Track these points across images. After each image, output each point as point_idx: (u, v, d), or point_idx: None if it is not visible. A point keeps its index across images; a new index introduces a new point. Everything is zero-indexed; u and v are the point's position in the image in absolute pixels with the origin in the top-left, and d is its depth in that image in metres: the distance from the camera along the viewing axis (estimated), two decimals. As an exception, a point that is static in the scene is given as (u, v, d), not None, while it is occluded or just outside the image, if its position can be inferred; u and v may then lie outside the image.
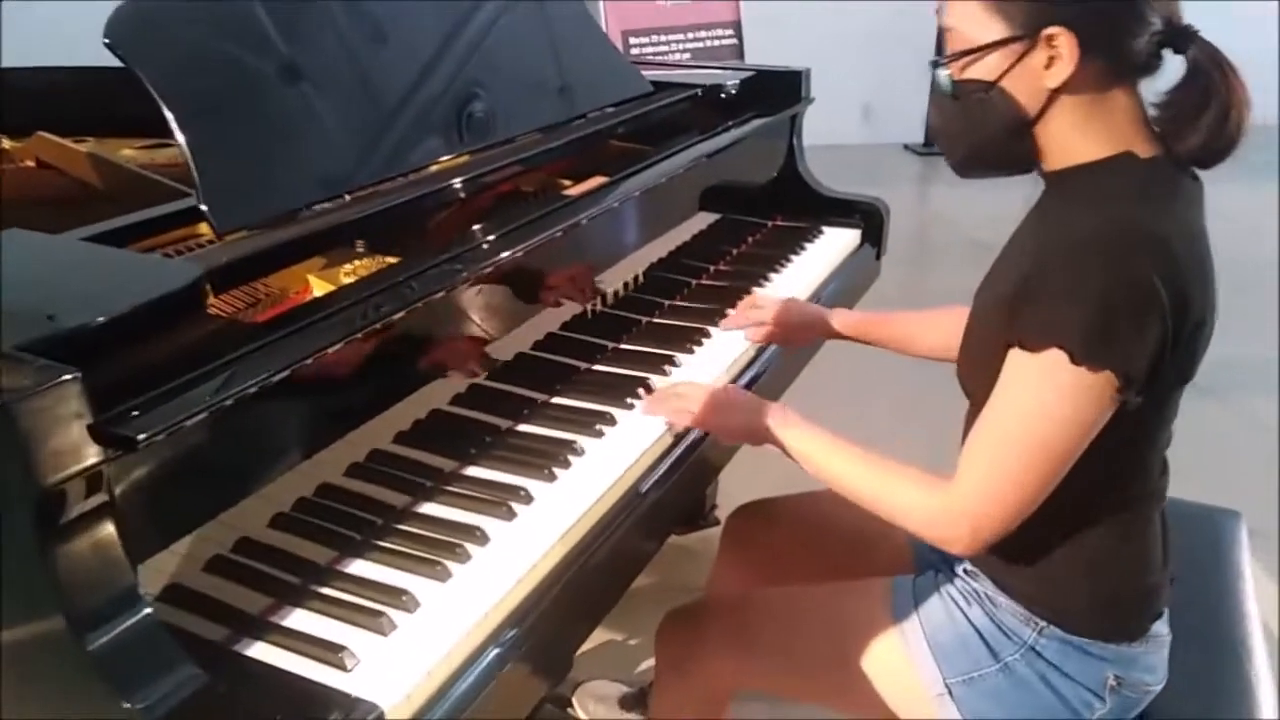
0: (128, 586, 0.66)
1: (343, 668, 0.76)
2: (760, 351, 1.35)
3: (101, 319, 0.68)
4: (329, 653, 0.77)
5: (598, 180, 1.32)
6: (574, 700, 1.66)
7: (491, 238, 1.11)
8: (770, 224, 1.78)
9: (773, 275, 1.56)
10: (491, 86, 1.31)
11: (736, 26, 3.37)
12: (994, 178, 1.01)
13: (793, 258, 1.64)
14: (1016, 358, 0.88)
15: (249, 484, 0.85)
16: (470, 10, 1.30)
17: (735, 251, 1.66)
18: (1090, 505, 0.97)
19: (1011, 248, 1.01)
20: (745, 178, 1.77)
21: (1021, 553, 1.00)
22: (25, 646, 0.66)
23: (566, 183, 1.40)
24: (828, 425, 1.03)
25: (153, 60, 0.91)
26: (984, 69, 0.91)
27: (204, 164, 0.91)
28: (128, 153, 1.47)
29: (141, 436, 0.66)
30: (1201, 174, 0.95)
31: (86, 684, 0.63)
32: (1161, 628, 1.03)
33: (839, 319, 1.32)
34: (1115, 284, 0.84)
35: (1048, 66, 0.88)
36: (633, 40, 3.15)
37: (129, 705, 0.62)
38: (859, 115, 5.71)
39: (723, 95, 1.69)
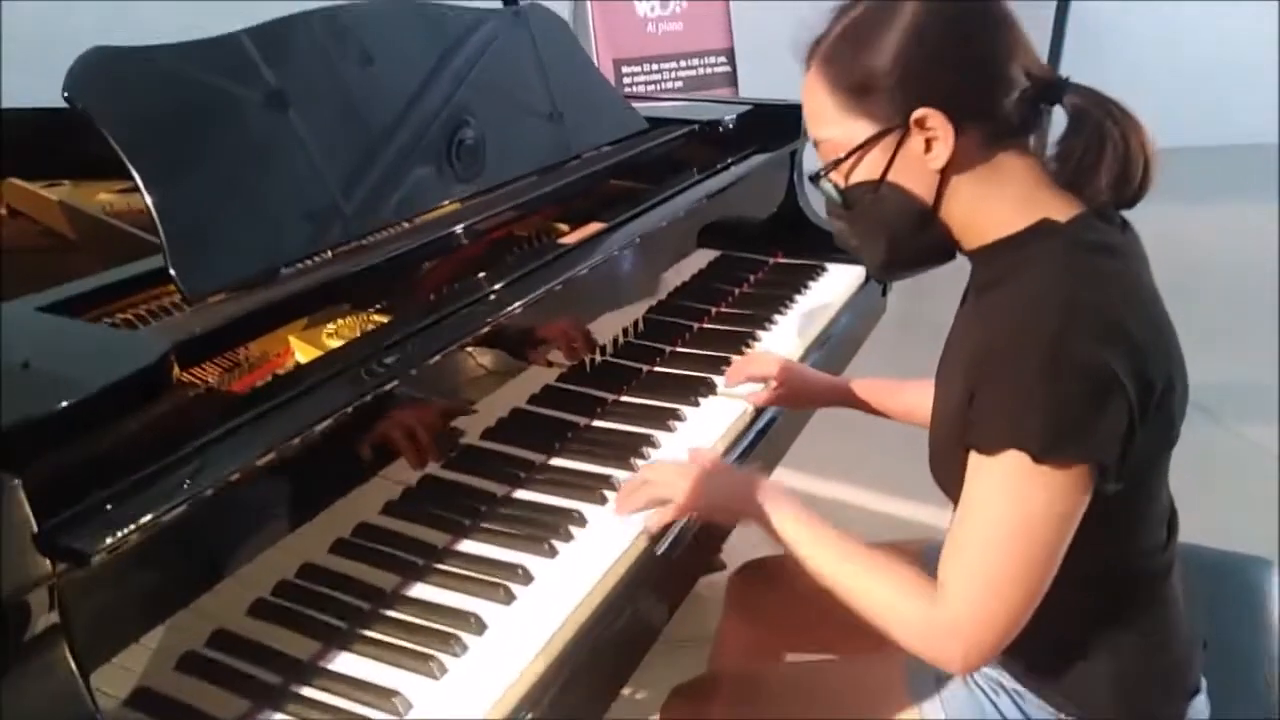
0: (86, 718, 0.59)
1: (327, 786, 0.69)
2: (761, 411, 1.28)
3: (50, 412, 0.61)
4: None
5: (594, 226, 1.26)
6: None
7: (486, 293, 1.05)
8: (771, 260, 1.72)
9: (777, 318, 1.50)
10: (480, 130, 1.25)
11: (730, 54, 3.32)
12: (920, 273, 0.96)
13: (796, 298, 1.58)
14: (976, 462, 0.82)
15: (224, 569, 0.78)
16: (454, 53, 1.25)
17: (737, 292, 1.60)
18: (1097, 590, 0.91)
19: (955, 338, 0.96)
20: (745, 213, 1.71)
21: (1034, 652, 0.93)
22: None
23: (562, 228, 1.34)
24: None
25: (116, 113, 0.85)
26: (867, 169, 0.87)
27: (171, 225, 0.85)
28: (105, 197, 1.40)
29: (96, 548, 0.58)
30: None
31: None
32: (1200, 704, 0.97)
33: (852, 387, 1.25)
34: (1063, 373, 0.78)
35: (927, 150, 0.84)
36: (625, 70, 3.10)
37: None
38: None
39: (720, 130, 1.63)
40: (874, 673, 1.05)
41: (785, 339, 1.45)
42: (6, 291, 0.86)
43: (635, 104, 1.63)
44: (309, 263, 0.97)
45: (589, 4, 3.05)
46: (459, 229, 1.12)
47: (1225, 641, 1.12)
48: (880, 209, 0.89)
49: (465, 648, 0.82)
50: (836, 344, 1.52)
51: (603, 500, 1.02)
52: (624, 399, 1.25)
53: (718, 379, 1.28)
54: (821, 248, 1.73)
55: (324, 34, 1.12)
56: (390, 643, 0.82)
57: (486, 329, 1.01)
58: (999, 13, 0.85)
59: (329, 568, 0.87)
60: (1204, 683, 0.98)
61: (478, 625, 0.84)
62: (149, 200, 0.83)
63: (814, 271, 1.67)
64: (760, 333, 1.45)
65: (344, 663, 0.81)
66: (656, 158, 1.53)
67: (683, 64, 3.24)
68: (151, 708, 0.72)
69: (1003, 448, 0.78)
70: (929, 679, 1.00)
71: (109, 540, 0.60)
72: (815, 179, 0.92)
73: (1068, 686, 0.93)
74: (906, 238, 0.90)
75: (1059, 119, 0.89)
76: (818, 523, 0.92)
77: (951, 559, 0.83)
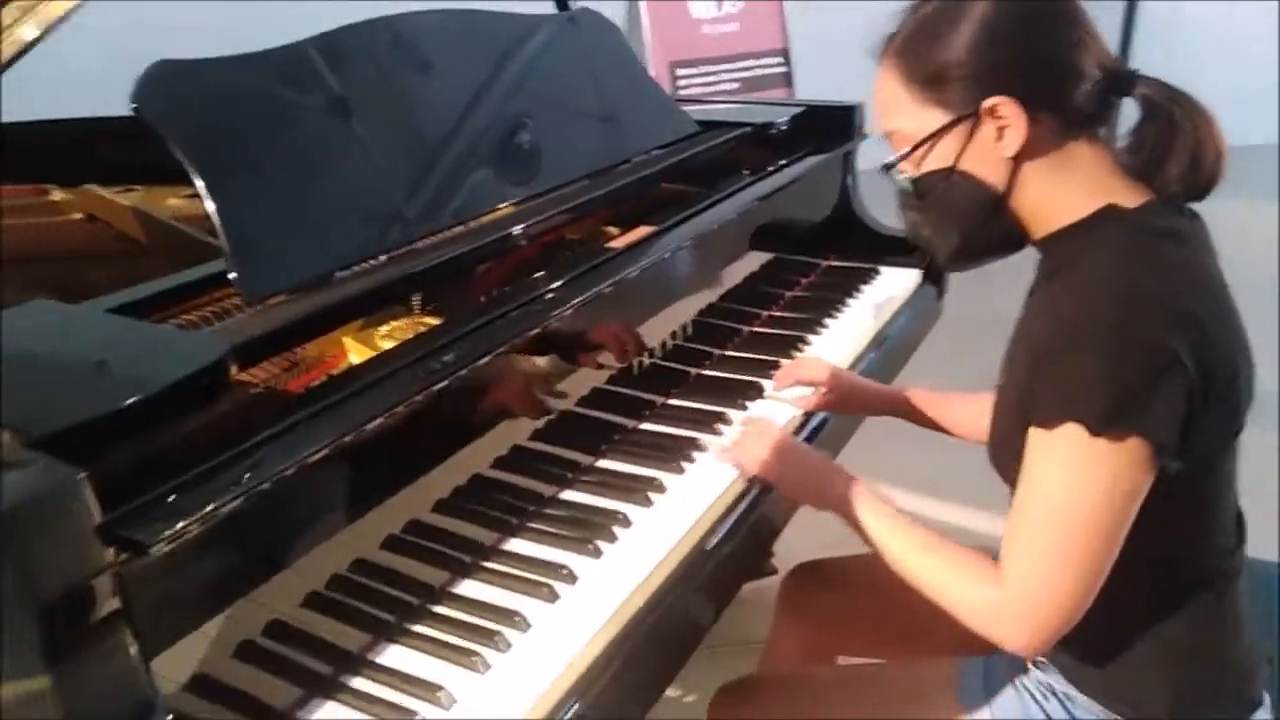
0: (146, 702, 0.61)
1: (370, 774, 0.71)
2: (810, 415, 1.27)
3: (115, 409, 0.64)
4: (357, 757, 0.72)
5: (644, 230, 1.26)
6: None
7: (537, 295, 1.07)
8: (824, 263, 1.71)
9: (828, 321, 1.49)
10: (533, 135, 1.27)
11: (785, 54, 3.30)
12: (988, 263, 0.97)
13: (849, 301, 1.57)
14: (1035, 437, 0.82)
15: (280, 562, 0.81)
16: (508, 60, 1.27)
17: (788, 295, 1.59)
18: (1160, 587, 0.90)
19: (1022, 324, 0.96)
20: (799, 216, 1.70)
21: (1092, 646, 0.91)
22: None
23: (613, 231, 1.36)
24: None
25: (181, 123, 0.89)
26: (939, 158, 0.89)
27: (232, 230, 0.88)
28: (173, 202, 1.45)
29: (156, 539, 0.61)
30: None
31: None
32: (1263, 715, 0.94)
33: (908, 395, 1.24)
34: (1125, 350, 0.79)
35: (999, 138, 0.86)
36: (680, 72, 3.11)
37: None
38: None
39: (772, 132, 1.63)
40: (923, 676, 1.04)
41: (837, 343, 1.44)
42: (81, 294, 0.91)
43: (688, 107, 1.64)
44: (364, 266, 1.00)
45: (642, 6, 3.06)
46: (511, 232, 1.14)
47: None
48: (952, 197, 0.90)
49: (509, 644, 0.83)
50: (891, 348, 1.51)
51: (647, 502, 1.03)
52: (672, 402, 1.25)
53: (766, 383, 1.28)
54: (875, 250, 1.72)
55: (381, 43, 1.15)
56: (437, 637, 0.84)
57: (537, 330, 1.02)
58: (1070, 6, 0.87)
59: (380, 563, 0.90)
60: (1267, 699, 0.95)
61: (522, 623, 0.85)
62: (210, 206, 0.87)
63: (867, 275, 1.66)
64: (811, 336, 1.44)
65: (392, 656, 0.83)
66: (708, 161, 1.53)
67: (738, 65, 3.23)
68: (210, 693, 0.75)
69: (1061, 421, 0.79)
70: (978, 683, 1.00)
71: (168, 532, 0.63)
72: (887, 169, 0.93)
73: (1122, 687, 0.92)
74: (978, 226, 0.91)
75: (1130, 113, 0.90)
76: (889, 510, 0.95)
77: (1011, 540, 0.84)
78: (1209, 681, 0.92)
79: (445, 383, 0.91)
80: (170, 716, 0.62)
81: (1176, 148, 0.86)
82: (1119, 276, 0.82)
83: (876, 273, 1.67)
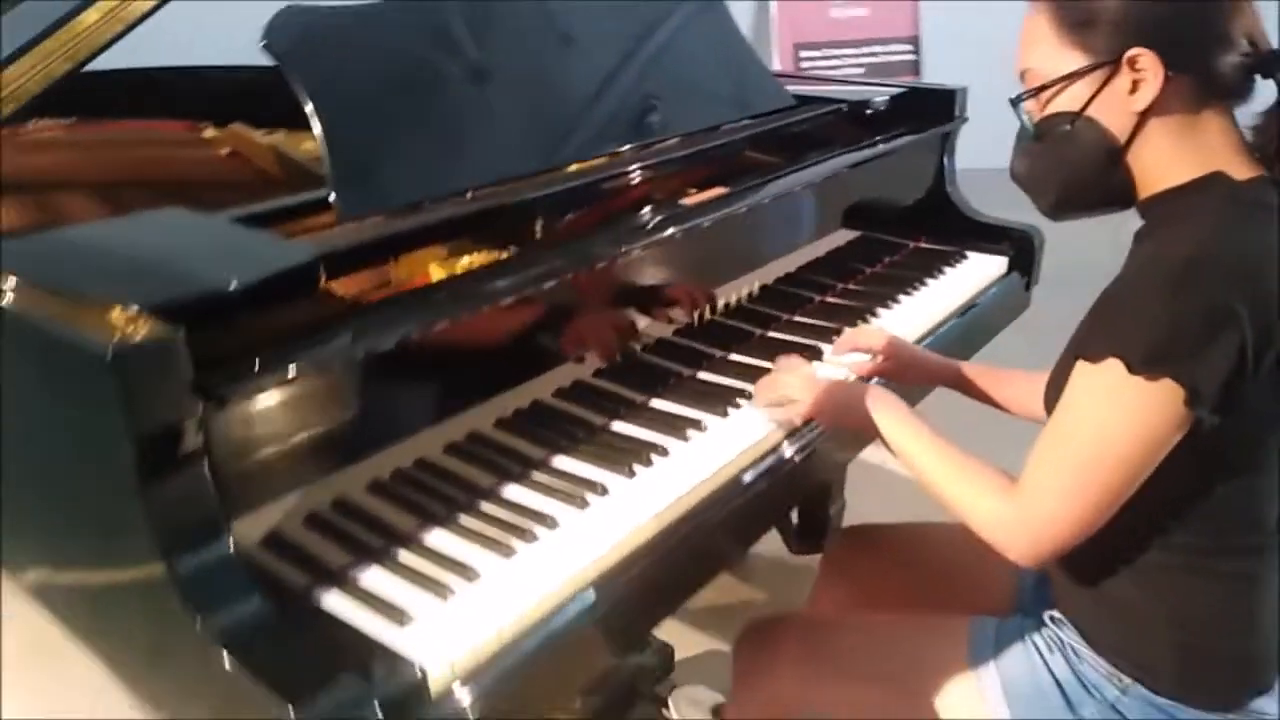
0: (213, 522, 0.74)
1: (399, 623, 0.81)
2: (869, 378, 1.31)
3: (214, 289, 0.77)
4: (390, 610, 0.83)
5: (717, 190, 1.33)
6: (670, 701, 1.68)
7: (606, 236, 1.15)
8: (912, 245, 1.73)
9: (902, 298, 1.52)
10: (625, 96, 1.35)
11: (915, 41, 3.26)
12: (1089, 216, 0.98)
13: (928, 281, 1.59)
14: (1080, 369, 0.86)
15: (353, 452, 0.93)
16: (610, 26, 1.35)
17: (869, 271, 1.63)
18: (1187, 554, 0.91)
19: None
20: (891, 196, 1.73)
21: (1110, 602, 0.94)
22: (125, 572, 0.75)
23: (694, 192, 1.42)
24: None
25: (300, 59, 1.01)
26: (1067, 100, 0.90)
27: (336, 155, 1.00)
28: (309, 145, 1.62)
29: (231, 394, 0.74)
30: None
31: (169, 603, 0.72)
32: (1269, 705, 0.93)
33: (963, 369, 1.27)
34: (1184, 294, 0.81)
35: (1133, 91, 0.87)
36: (804, 54, 3.13)
37: (200, 622, 0.70)
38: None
39: (869, 112, 1.66)
40: (937, 629, 1.09)
41: (907, 318, 1.46)
42: (213, 210, 1.05)
43: (799, 86, 1.68)
44: (451, 199, 1.10)
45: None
46: (594, 182, 1.23)
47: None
48: (1071, 142, 0.91)
49: (536, 539, 0.93)
50: (962, 332, 1.52)
51: (686, 438, 1.10)
52: (731, 357, 1.32)
53: (826, 347, 1.33)
54: (966, 235, 1.72)
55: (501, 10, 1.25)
56: (474, 527, 0.94)
57: (604, 265, 1.11)
58: None
59: (438, 464, 1.01)
60: (1278, 688, 0.95)
61: (551, 523, 0.95)
62: (318, 130, 0.99)
63: (952, 258, 1.67)
64: (880, 309, 1.47)
65: (434, 538, 0.93)
66: (804, 135, 1.58)
67: (864, 50, 3.22)
68: (279, 547, 0.87)
69: (1105, 355, 0.83)
70: (989, 639, 1.03)
71: (246, 390, 0.75)
72: (1015, 102, 0.95)
73: (1132, 647, 0.94)
74: (1090, 174, 0.93)
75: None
76: (917, 424, 1.00)
77: (1036, 457, 0.88)
78: (1221, 659, 0.93)
79: (513, 303, 1.01)
80: (230, 545, 0.74)
81: None
82: (1201, 234, 0.84)
83: (963, 257, 1.68)
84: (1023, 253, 1.68)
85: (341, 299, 1.03)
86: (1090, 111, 0.89)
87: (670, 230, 1.18)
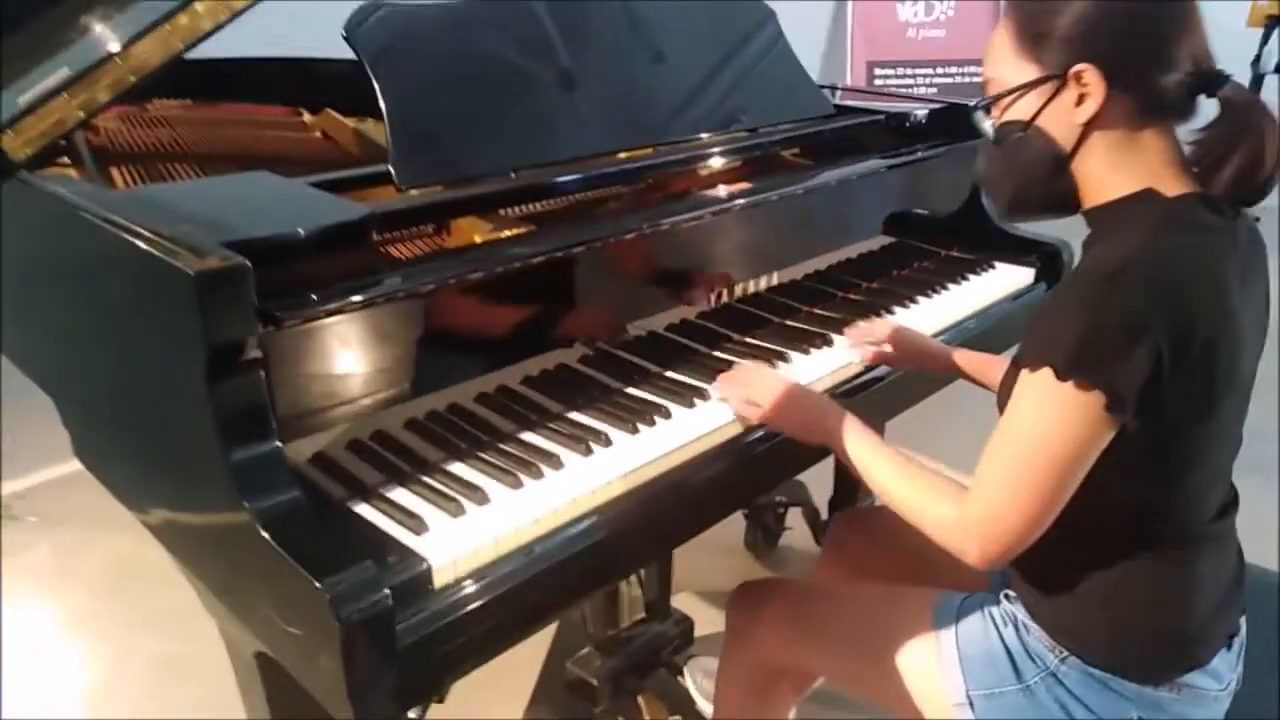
0: (264, 422, 0.89)
1: (416, 532, 0.95)
2: (871, 368, 1.40)
3: (279, 233, 0.93)
4: (410, 519, 0.96)
5: (742, 185, 1.44)
6: (685, 670, 1.79)
7: (640, 219, 1.28)
8: (944, 254, 1.81)
9: (920, 299, 1.60)
10: (673, 94, 1.48)
11: (991, 64, 3.30)
12: (1036, 219, 1.06)
13: (951, 286, 1.66)
14: (1020, 377, 0.92)
15: (395, 390, 1.07)
16: (665, 32, 1.48)
17: (896, 273, 1.71)
18: (1118, 538, 0.98)
19: None
20: (927, 206, 1.81)
21: (1050, 580, 1.02)
22: (193, 458, 0.91)
23: (730, 186, 1.54)
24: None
25: (375, 47, 1.17)
26: (1021, 110, 0.97)
27: (398, 131, 1.16)
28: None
29: (286, 319, 0.89)
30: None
31: (224, 487, 0.87)
32: (1204, 680, 1.00)
33: (953, 356, 1.35)
34: (1105, 307, 0.86)
35: (1078, 103, 0.93)
36: (877, 71, 3.19)
37: (247, 505, 0.85)
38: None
39: (908, 124, 1.75)
40: (908, 598, 1.17)
41: (919, 318, 1.54)
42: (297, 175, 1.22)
43: (859, 99, 1.78)
44: (498, 177, 1.25)
45: (848, 5, 3.17)
46: (628, 169, 1.36)
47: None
48: (1022, 148, 0.99)
49: (542, 474, 1.05)
50: (977, 335, 1.59)
51: (691, 404, 1.21)
52: (748, 339, 1.43)
53: (836, 336, 1.43)
54: (996, 247, 1.79)
55: (562, 8, 1.39)
56: (491, 460, 1.08)
57: (628, 244, 1.23)
58: (1180, 0, 0.93)
59: (469, 408, 1.14)
60: (1218, 665, 1.01)
61: (557, 463, 1.07)
62: (384, 108, 1.15)
63: (978, 266, 1.74)
64: (897, 307, 1.56)
65: (456, 467, 1.07)
66: (840, 141, 1.68)
67: (939, 70, 3.26)
68: (323, 465, 1.02)
69: (1038, 363, 0.89)
70: (952, 609, 1.11)
71: (299, 315, 0.90)
72: (973, 109, 1.03)
73: (1068, 623, 1.01)
74: (1037, 180, 1.00)
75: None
76: (875, 440, 1.07)
77: (982, 464, 0.95)
78: (1153, 635, 1.00)
79: (547, 271, 1.14)
80: (276, 443, 0.89)
81: (1238, 153, 0.91)
82: (1124, 249, 0.90)
83: (990, 267, 1.75)
84: (1050, 265, 1.74)
85: (396, 258, 1.18)
86: (1039, 121, 0.96)
87: (694, 217, 1.30)
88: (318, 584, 0.82)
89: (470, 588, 0.92)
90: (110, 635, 2.08)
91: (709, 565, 2.13)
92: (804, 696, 1.47)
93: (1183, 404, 0.90)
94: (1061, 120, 0.95)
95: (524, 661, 1.94)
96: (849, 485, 2.06)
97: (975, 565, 0.97)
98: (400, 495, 1.02)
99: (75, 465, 1.25)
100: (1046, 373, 0.88)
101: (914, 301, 1.59)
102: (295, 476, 0.92)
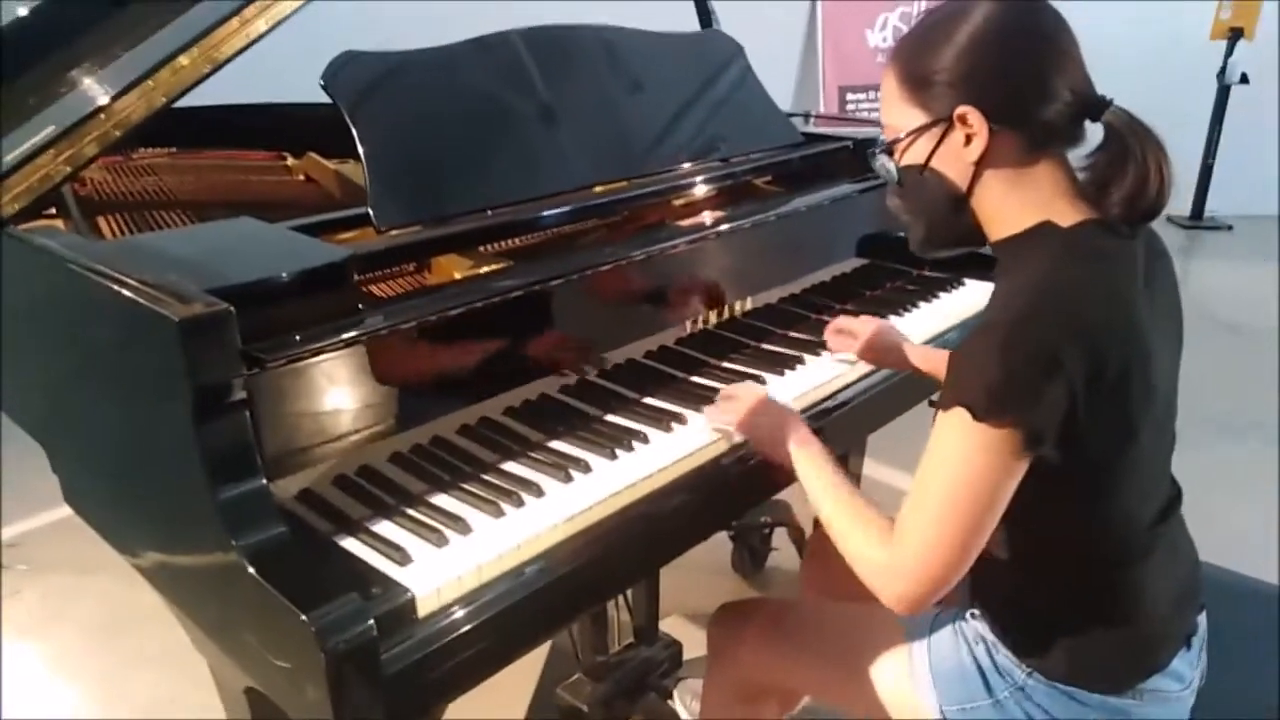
0: (250, 461, 0.92)
1: (400, 563, 0.98)
2: (847, 386, 1.43)
3: (260, 278, 0.96)
4: (394, 551, 0.99)
5: (714, 214, 1.48)
6: (674, 693, 1.80)
7: (611, 249, 1.32)
8: (915, 273, 1.85)
9: (892, 317, 1.64)
10: (643, 129, 1.53)
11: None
12: (950, 253, 1.09)
13: (921, 304, 1.71)
14: (938, 420, 0.94)
15: (378, 427, 1.10)
16: (632, 67, 1.53)
17: (868, 294, 1.75)
18: (1061, 560, 1.01)
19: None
20: (899, 228, 1.84)
21: (1007, 602, 1.05)
22: (181, 498, 0.94)
23: (698, 216, 1.58)
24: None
25: (352, 96, 1.21)
26: (916, 154, 1.00)
27: (376, 176, 1.20)
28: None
29: (270, 361, 0.92)
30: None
31: (212, 525, 0.90)
32: (1166, 683, 1.02)
33: (920, 355, 1.39)
34: (1015, 347, 0.88)
35: (966, 143, 0.96)
36: (849, 96, 3.25)
37: (235, 542, 0.88)
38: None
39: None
40: (880, 615, 1.18)
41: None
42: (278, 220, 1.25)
43: (828, 126, 1.83)
44: (472, 216, 1.29)
45: (819, 32, 3.24)
46: (602, 203, 1.40)
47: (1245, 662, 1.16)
48: (922, 190, 1.02)
49: (523, 502, 1.08)
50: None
51: (669, 429, 1.25)
52: (725, 364, 1.46)
53: (810, 357, 1.46)
54: (970, 265, 1.83)
55: (527, 47, 1.44)
56: (473, 491, 1.11)
57: (604, 274, 1.27)
58: (1053, 33, 0.96)
59: (452, 440, 1.17)
60: (1179, 666, 1.04)
61: (538, 491, 1.10)
62: (362, 152, 1.19)
63: (948, 284, 1.78)
64: (868, 325, 1.60)
65: (439, 499, 1.10)
66: (808, 169, 1.73)
67: (910, 95, 3.33)
68: (309, 501, 1.05)
69: (953, 404, 0.91)
70: (925, 626, 1.14)
71: (283, 359, 0.94)
72: (871, 155, 1.07)
73: (1031, 644, 1.04)
74: (941, 219, 1.03)
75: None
76: (830, 473, 1.08)
77: (905, 508, 0.97)
78: (1109, 648, 1.02)
79: (523, 304, 1.18)
80: (262, 481, 0.92)
81: (1125, 175, 0.94)
82: (1032, 286, 0.92)
83: (960, 284, 1.80)
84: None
85: (378, 297, 1.22)
86: (934, 163, 0.99)
87: (668, 246, 1.34)
88: (304, 617, 0.84)
89: (454, 615, 0.95)
90: (101, 678, 2.08)
91: (697, 588, 2.15)
92: (791, 715, 1.49)
93: (1102, 431, 0.92)
94: (954, 161, 0.98)
95: (515, 689, 1.96)
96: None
97: (895, 609, 0.97)
98: (385, 528, 1.04)
99: (65, 511, 1.27)
100: (961, 413, 0.90)
101: (885, 319, 1.63)
102: (281, 512, 0.95)
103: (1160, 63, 5.17)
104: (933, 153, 0.99)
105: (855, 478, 2.09)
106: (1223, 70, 5.08)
